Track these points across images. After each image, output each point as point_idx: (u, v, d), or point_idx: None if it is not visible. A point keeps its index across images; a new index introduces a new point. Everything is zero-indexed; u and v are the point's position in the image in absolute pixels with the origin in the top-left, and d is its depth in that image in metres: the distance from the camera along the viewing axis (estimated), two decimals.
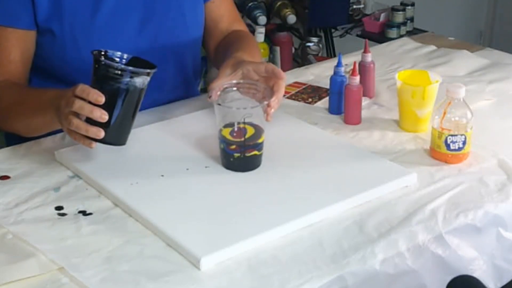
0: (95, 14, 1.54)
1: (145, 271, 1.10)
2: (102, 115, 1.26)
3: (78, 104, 1.26)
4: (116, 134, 1.29)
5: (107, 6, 1.55)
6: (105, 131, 1.27)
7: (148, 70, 1.29)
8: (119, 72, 1.26)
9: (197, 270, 1.11)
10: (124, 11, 1.56)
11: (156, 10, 1.61)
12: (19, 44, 1.52)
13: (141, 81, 1.28)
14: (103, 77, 1.27)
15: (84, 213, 1.25)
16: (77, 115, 1.28)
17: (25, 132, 1.50)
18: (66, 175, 1.37)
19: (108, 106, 1.26)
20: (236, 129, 1.31)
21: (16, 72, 1.53)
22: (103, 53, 1.31)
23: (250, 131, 1.31)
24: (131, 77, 1.27)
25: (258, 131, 1.32)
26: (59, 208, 1.26)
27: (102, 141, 1.28)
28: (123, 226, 1.22)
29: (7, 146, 1.51)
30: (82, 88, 1.27)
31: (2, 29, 1.50)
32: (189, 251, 1.12)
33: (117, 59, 1.33)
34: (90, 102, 1.26)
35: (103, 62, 1.27)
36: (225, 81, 1.41)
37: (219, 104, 1.32)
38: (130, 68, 1.27)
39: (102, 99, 1.25)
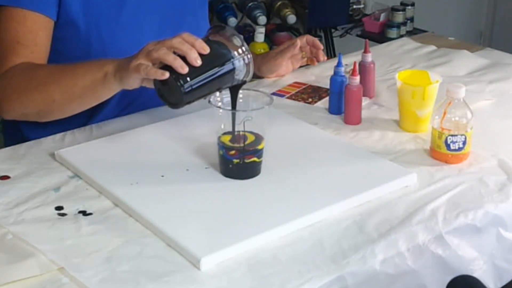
0: (120, 11, 1.56)
1: (145, 271, 1.10)
2: (197, 59, 1.25)
3: (178, 40, 1.26)
4: (187, 90, 1.25)
5: (131, 4, 1.57)
6: (183, 80, 1.25)
7: (249, 77, 1.31)
8: (240, 46, 1.28)
9: (197, 270, 1.10)
10: (146, 12, 1.59)
11: (173, 15, 1.64)
12: (45, 30, 1.52)
13: (240, 69, 1.29)
14: (221, 42, 1.28)
15: (84, 213, 1.25)
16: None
17: (63, 101, 1.44)
18: (66, 175, 1.37)
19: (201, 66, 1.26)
20: (235, 136, 1.31)
21: (40, 55, 1.52)
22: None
23: (250, 138, 1.31)
24: (243, 60, 1.28)
25: (258, 138, 1.32)
26: (59, 208, 1.26)
27: (173, 83, 1.24)
28: (123, 226, 1.22)
29: (7, 146, 1.51)
30: (190, 34, 1.27)
31: (30, 13, 1.49)
32: (189, 251, 1.12)
33: None
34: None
35: (228, 28, 1.29)
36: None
37: (219, 107, 1.31)
38: (249, 56, 1.29)
39: (207, 49, 1.26)
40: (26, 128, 1.64)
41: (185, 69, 1.24)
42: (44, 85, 1.45)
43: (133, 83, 1.34)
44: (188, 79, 1.25)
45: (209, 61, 1.27)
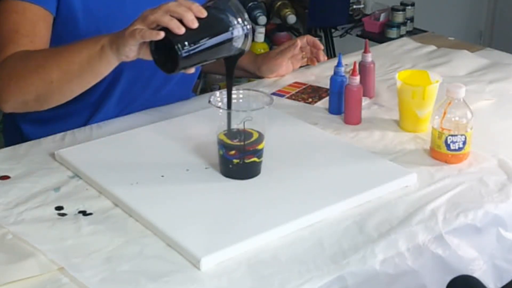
0: (119, 8, 1.56)
1: (145, 271, 1.10)
2: (193, 21, 1.23)
3: (175, 3, 1.24)
4: (185, 55, 1.23)
5: (130, 1, 1.57)
6: (180, 44, 1.22)
7: (248, 47, 1.29)
8: (240, 15, 1.26)
9: (197, 270, 1.10)
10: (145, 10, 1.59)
11: None
12: (45, 22, 1.51)
13: (239, 36, 1.26)
14: (220, 9, 1.26)
15: (84, 213, 1.25)
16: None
17: (61, 81, 1.42)
18: (66, 175, 1.37)
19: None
20: (235, 132, 1.31)
21: (40, 45, 1.50)
22: None
23: (255, 135, 1.31)
24: (242, 30, 1.26)
25: (260, 136, 1.32)
26: (59, 208, 1.26)
27: (170, 46, 1.22)
28: (123, 226, 1.22)
29: (7, 146, 1.51)
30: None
31: (30, 5, 1.49)
32: (189, 251, 1.12)
33: None
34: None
35: None
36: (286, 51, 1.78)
37: (219, 107, 1.31)
38: (249, 26, 1.26)
39: (204, 13, 1.24)
40: (26, 128, 1.64)
41: (181, 30, 1.22)
42: (42, 66, 1.43)
43: (129, 51, 1.32)
44: (186, 43, 1.23)
45: (207, 26, 1.25)
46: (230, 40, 1.27)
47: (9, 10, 1.49)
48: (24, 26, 1.48)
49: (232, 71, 1.32)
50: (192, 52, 1.24)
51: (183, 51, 1.23)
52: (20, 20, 1.48)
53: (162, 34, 1.23)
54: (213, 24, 1.26)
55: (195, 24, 1.24)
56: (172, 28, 1.23)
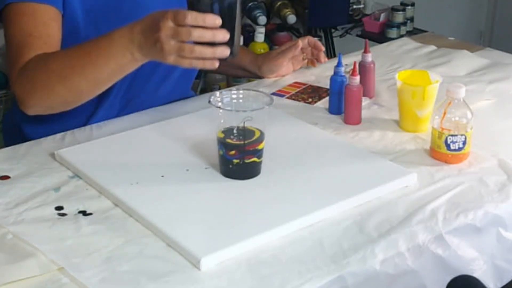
0: (118, 7, 1.56)
1: (145, 271, 1.10)
2: (225, 35, 1.27)
3: (197, 33, 1.26)
4: (234, 49, 1.30)
5: (129, 0, 1.57)
6: (230, 53, 1.29)
7: None
8: None
9: (197, 270, 1.11)
10: (144, 8, 1.58)
11: None
12: (55, 21, 1.52)
13: None
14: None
15: (84, 213, 1.25)
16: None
17: (91, 89, 1.44)
18: (66, 175, 1.37)
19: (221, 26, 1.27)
20: (236, 131, 1.31)
21: (53, 45, 1.50)
22: None
23: (256, 133, 1.31)
24: None
25: (261, 135, 1.32)
26: (59, 208, 1.26)
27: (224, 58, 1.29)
28: (123, 226, 1.22)
29: (7, 146, 1.51)
30: (195, 16, 1.26)
31: (39, 6, 1.49)
32: (189, 251, 1.12)
33: None
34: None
35: None
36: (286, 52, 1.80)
37: (219, 107, 1.31)
38: None
39: (219, 21, 1.26)
40: (26, 128, 1.64)
41: (227, 52, 1.28)
42: (67, 78, 1.42)
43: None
44: (231, 48, 1.28)
45: (227, 20, 1.28)
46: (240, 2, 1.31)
47: (19, 14, 1.49)
48: (36, 28, 1.49)
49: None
50: (237, 45, 1.30)
51: (234, 54, 1.30)
52: (32, 23, 1.49)
53: (216, 64, 1.29)
54: (227, 13, 1.29)
55: (227, 37, 1.27)
56: (209, 67, 1.29)
